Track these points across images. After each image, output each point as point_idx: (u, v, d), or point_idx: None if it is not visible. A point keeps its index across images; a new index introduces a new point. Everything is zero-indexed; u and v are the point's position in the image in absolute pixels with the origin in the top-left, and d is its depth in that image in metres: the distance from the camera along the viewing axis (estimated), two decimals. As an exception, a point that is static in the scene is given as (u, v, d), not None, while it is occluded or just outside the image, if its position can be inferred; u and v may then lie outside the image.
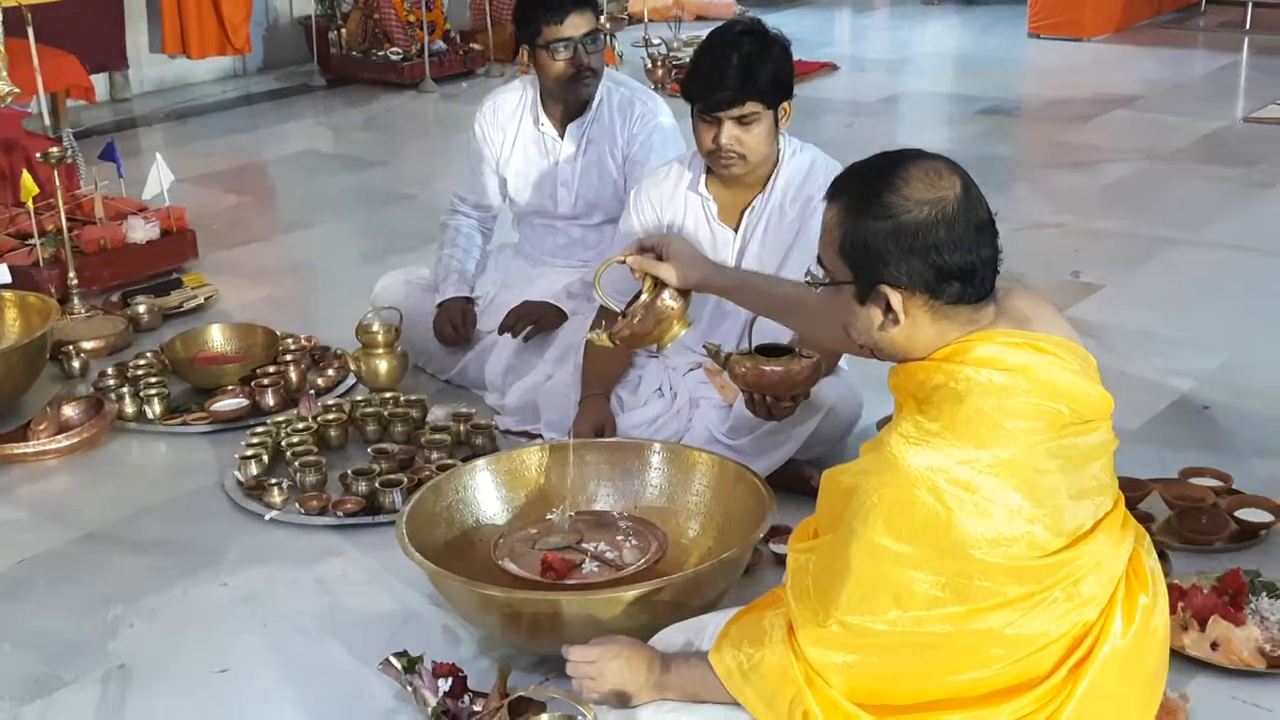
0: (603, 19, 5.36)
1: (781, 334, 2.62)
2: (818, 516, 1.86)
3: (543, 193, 3.59)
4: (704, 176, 2.93)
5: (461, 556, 2.53)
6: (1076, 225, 4.77)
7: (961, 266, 1.69)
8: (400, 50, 7.21)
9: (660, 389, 3.10)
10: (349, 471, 3.05)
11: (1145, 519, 2.71)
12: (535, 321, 3.43)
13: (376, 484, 2.99)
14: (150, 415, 3.45)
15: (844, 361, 2.95)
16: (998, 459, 1.65)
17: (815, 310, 2.22)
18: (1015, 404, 1.67)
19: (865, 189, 1.71)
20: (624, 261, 2.37)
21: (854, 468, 1.74)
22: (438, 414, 3.36)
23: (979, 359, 1.70)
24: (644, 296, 2.36)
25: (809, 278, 1.81)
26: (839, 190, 1.76)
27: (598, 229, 3.59)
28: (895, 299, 1.71)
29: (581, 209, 3.57)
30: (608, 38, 5.66)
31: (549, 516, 2.66)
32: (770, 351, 2.56)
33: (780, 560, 2.61)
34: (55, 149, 4.02)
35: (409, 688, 2.27)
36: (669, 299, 2.35)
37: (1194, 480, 2.90)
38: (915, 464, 1.65)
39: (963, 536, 1.64)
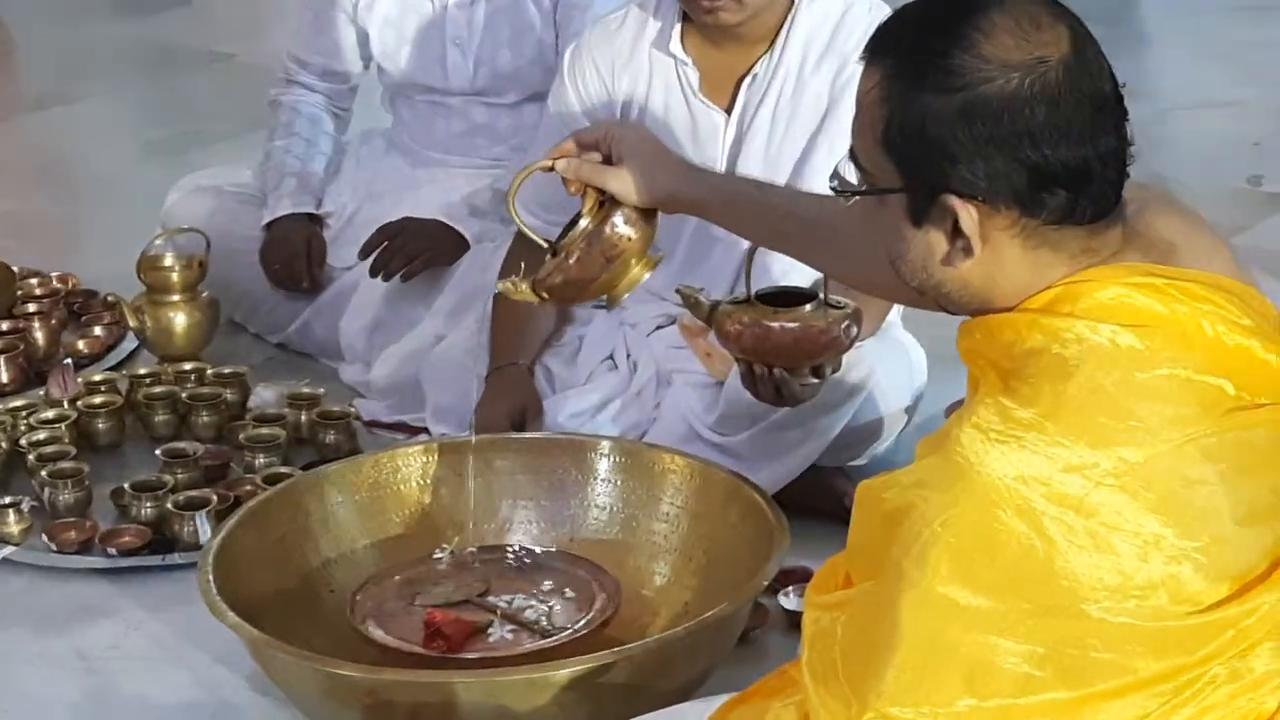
0: None
1: (799, 272, 2.64)
2: (851, 554, 1.86)
3: (426, 55, 3.59)
4: (679, 28, 2.93)
5: (302, 616, 2.53)
6: (1258, 105, 4.79)
7: (1069, 166, 1.68)
8: None
9: (611, 357, 3.11)
10: (126, 486, 3.05)
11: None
12: (419, 252, 3.44)
13: (169, 505, 2.98)
14: None
15: (895, 314, 2.97)
16: (1124, 464, 1.65)
17: (849, 237, 2.21)
18: (1152, 379, 1.67)
19: (923, 45, 1.70)
20: (552, 168, 2.35)
21: (905, 478, 1.73)
22: (266, 396, 3.37)
23: (1098, 309, 1.70)
24: (584, 222, 2.33)
25: (836, 183, 1.80)
26: (883, 47, 1.74)
27: (513, 110, 3.61)
28: (967, 216, 1.70)
29: (485, 81, 3.58)
30: None
31: (437, 555, 2.66)
32: (781, 299, 2.56)
33: (794, 621, 2.62)
34: None
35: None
36: (622, 224, 2.32)
37: None
38: (998, 472, 1.64)
39: (1071, 583, 1.64)
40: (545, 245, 2.38)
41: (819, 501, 2.89)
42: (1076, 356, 1.67)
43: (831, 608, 1.83)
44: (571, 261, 2.32)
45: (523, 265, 2.47)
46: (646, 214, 2.33)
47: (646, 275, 2.36)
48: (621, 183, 2.31)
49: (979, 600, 1.65)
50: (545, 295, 2.37)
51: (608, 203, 2.32)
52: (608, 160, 2.33)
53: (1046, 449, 1.64)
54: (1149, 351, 1.68)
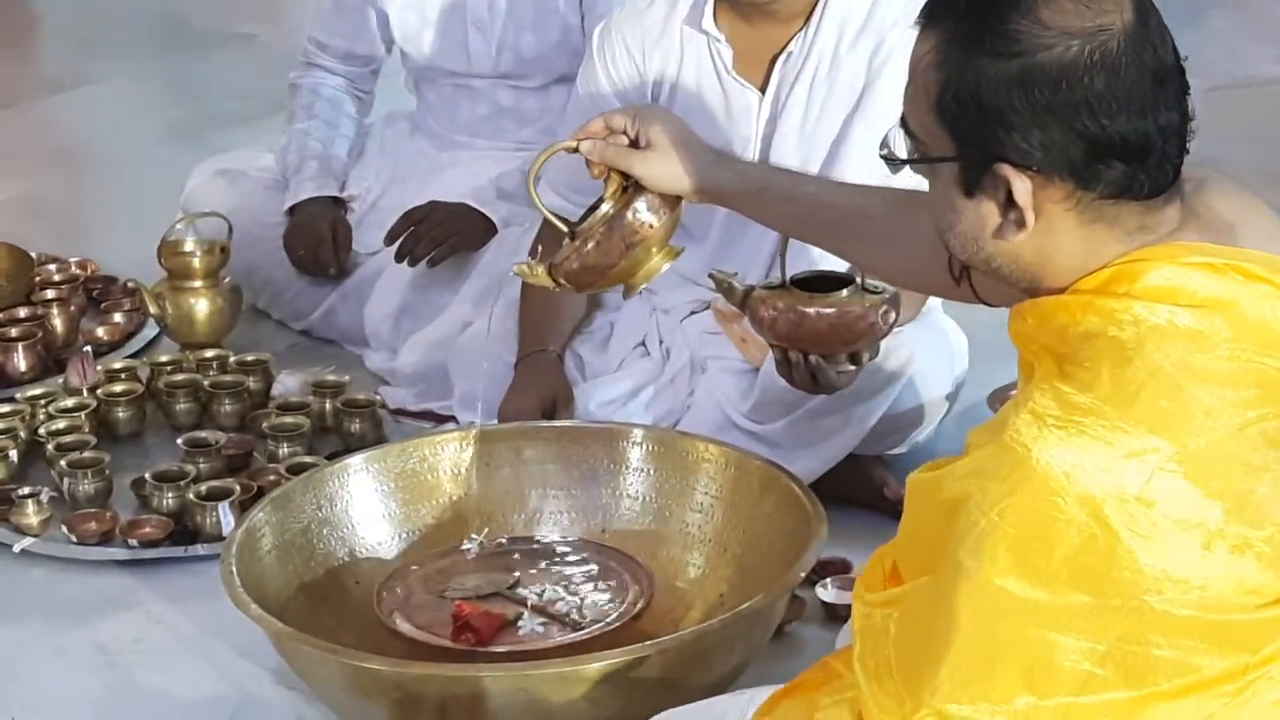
0: None
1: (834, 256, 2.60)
2: (899, 546, 1.86)
3: (448, 39, 3.60)
4: (711, 4, 2.92)
5: (327, 609, 2.54)
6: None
7: (1128, 138, 1.68)
8: None
9: (644, 344, 3.11)
10: (147, 476, 3.06)
11: None
12: (445, 237, 3.44)
13: (191, 495, 2.98)
14: None
15: (935, 298, 2.94)
16: (1186, 450, 1.64)
17: (882, 228, 2.21)
18: (1212, 361, 1.67)
19: (980, 10, 1.69)
20: (576, 149, 2.32)
21: (959, 468, 1.73)
22: (289, 384, 3.37)
23: (1154, 290, 1.69)
24: (605, 207, 2.30)
25: (885, 151, 1.79)
26: (939, 11, 1.73)
27: (540, 93, 3.62)
28: (1021, 187, 1.69)
29: (509, 65, 3.58)
30: None
31: (465, 546, 2.67)
32: (817, 284, 2.55)
33: (835, 614, 2.61)
34: None
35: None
36: (645, 211, 2.29)
37: None
38: (1056, 461, 1.63)
39: (1133, 573, 1.63)
40: (564, 229, 2.35)
41: (857, 491, 2.89)
42: (1134, 339, 1.67)
43: (883, 604, 1.82)
44: (590, 246, 2.28)
45: (539, 248, 2.44)
46: (670, 201, 2.30)
47: (666, 266, 2.34)
48: (647, 167, 2.28)
49: (1038, 593, 1.65)
50: (562, 280, 2.33)
51: (631, 188, 2.29)
52: (635, 144, 2.30)
53: (1107, 434, 1.63)
54: (1208, 333, 1.67)
